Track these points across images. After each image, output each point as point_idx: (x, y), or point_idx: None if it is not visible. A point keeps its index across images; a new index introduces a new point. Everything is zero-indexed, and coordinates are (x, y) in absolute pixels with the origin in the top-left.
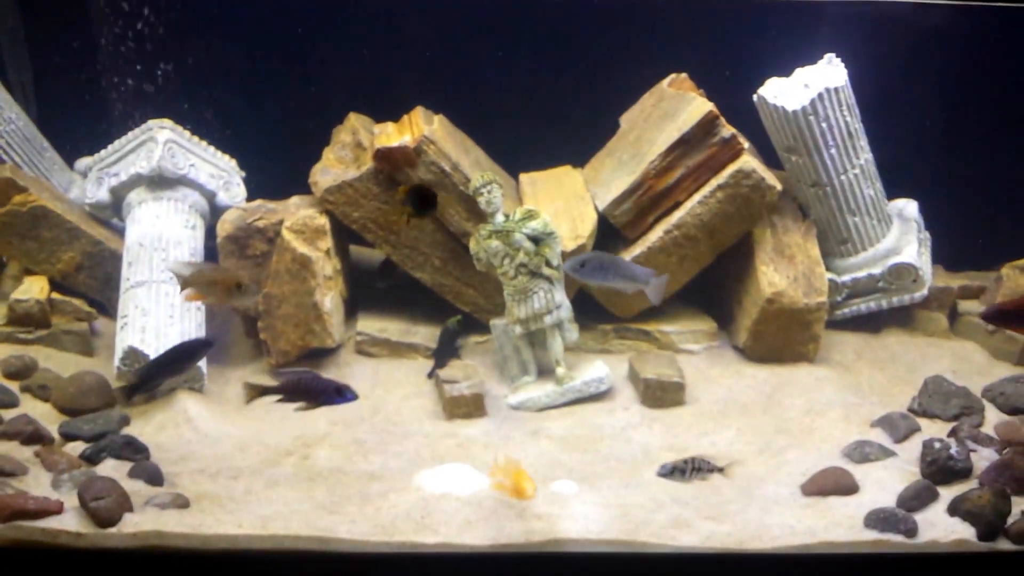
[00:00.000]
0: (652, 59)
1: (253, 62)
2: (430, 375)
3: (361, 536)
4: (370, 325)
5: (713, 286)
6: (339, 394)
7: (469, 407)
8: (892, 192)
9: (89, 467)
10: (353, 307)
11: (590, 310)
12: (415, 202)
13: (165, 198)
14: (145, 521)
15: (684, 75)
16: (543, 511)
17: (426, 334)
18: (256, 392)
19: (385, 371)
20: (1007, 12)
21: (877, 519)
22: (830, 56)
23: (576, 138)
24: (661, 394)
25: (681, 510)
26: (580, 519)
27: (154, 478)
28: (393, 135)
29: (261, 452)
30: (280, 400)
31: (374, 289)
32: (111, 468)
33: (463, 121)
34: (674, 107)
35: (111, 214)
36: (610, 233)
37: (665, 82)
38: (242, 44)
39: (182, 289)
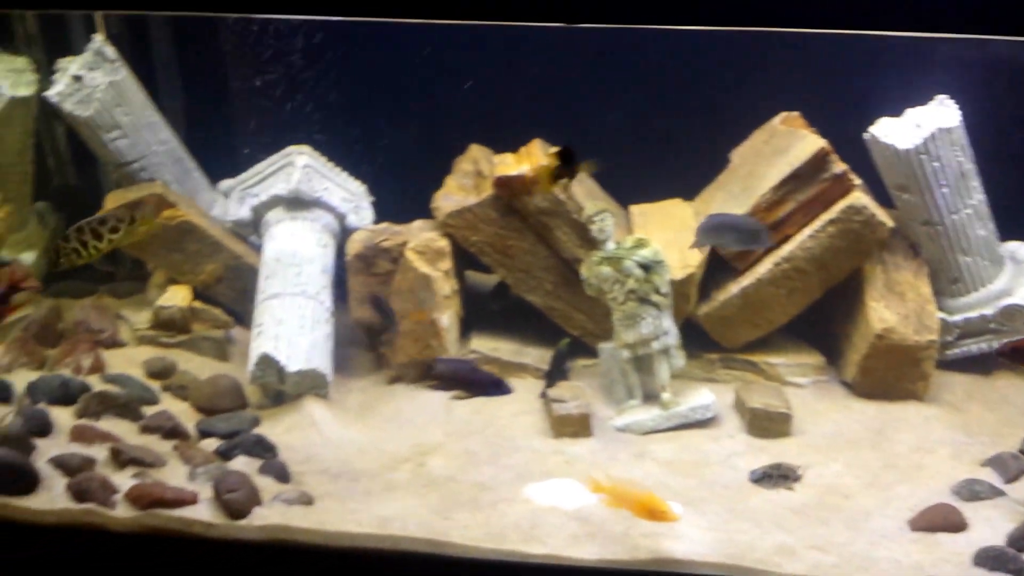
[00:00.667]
0: (761, 97)
1: (382, 96)
2: (543, 395)
3: (472, 542)
4: (483, 344)
5: (821, 321)
6: (496, 387)
7: (576, 427)
8: (1005, 236)
9: (222, 462)
10: (467, 328)
11: (697, 339)
12: (564, 160)
13: (300, 218)
14: (272, 515)
15: (796, 113)
16: (649, 530)
17: (536, 355)
18: (421, 372)
19: None
20: None
21: (986, 557)
22: (942, 97)
23: (685, 173)
24: (768, 424)
25: (787, 538)
26: (686, 540)
27: (281, 476)
28: (512, 165)
29: (379, 458)
30: (438, 387)
31: (487, 312)
32: (243, 464)
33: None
34: (786, 143)
35: (250, 231)
36: (719, 265)
37: (777, 119)
38: (373, 80)
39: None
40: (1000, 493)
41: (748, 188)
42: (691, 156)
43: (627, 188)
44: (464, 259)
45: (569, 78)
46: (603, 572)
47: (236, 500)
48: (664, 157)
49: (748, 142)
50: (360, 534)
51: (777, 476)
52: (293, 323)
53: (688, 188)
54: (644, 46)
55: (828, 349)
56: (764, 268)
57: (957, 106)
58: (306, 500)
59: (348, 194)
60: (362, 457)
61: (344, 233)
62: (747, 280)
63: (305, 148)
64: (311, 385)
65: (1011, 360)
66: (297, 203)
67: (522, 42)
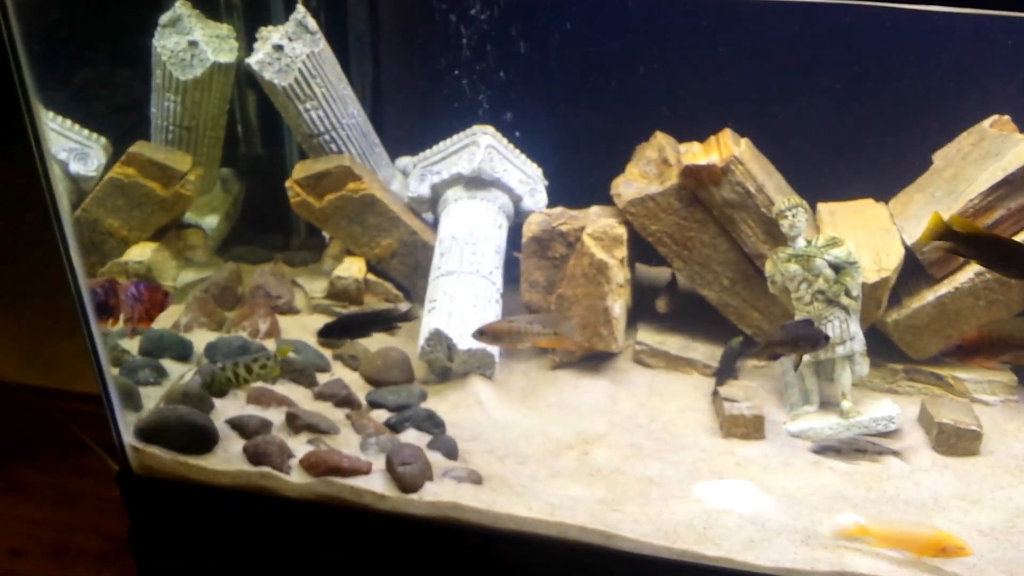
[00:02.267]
0: (964, 99)
1: (567, 80)
2: (714, 393)
3: (644, 537)
4: (650, 336)
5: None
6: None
7: (748, 428)
8: None
9: (393, 434)
10: (633, 319)
11: (881, 347)
12: None
13: (479, 198)
14: (444, 491)
15: (1007, 117)
16: (831, 542)
17: (704, 351)
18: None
19: (661, 382)
20: None
21: None
22: None
23: (877, 173)
24: (955, 441)
25: (976, 561)
26: (868, 555)
27: (451, 452)
28: (700, 154)
29: (544, 443)
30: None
31: (653, 307)
32: (412, 438)
33: (765, 148)
34: (997, 147)
35: (426, 208)
36: (914, 270)
37: (986, 122)
38: (558, 63)
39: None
40: None
41: (953, 192)
42: (883, 156)
43: (814, 186)
44: (635, 250)
45: (761, 67)
46: None
47: (409, 473)
48: (855, 156)
49: (954, 144)
50: (529, 518)
51: (853, 451)
52: (466, 301)
53: (878, 189)
54: (839, 38)
55: (1020, 368)
56: (964, 277)
57: None
58: (476, 479)
59: (525, 176)
60: (527, 440)
61: (518, 215)
62: (944, 288)
63: (489, 128)
64: (478, 364)
65: (958, 358)
66: (476, 182)
67: (717, 27)
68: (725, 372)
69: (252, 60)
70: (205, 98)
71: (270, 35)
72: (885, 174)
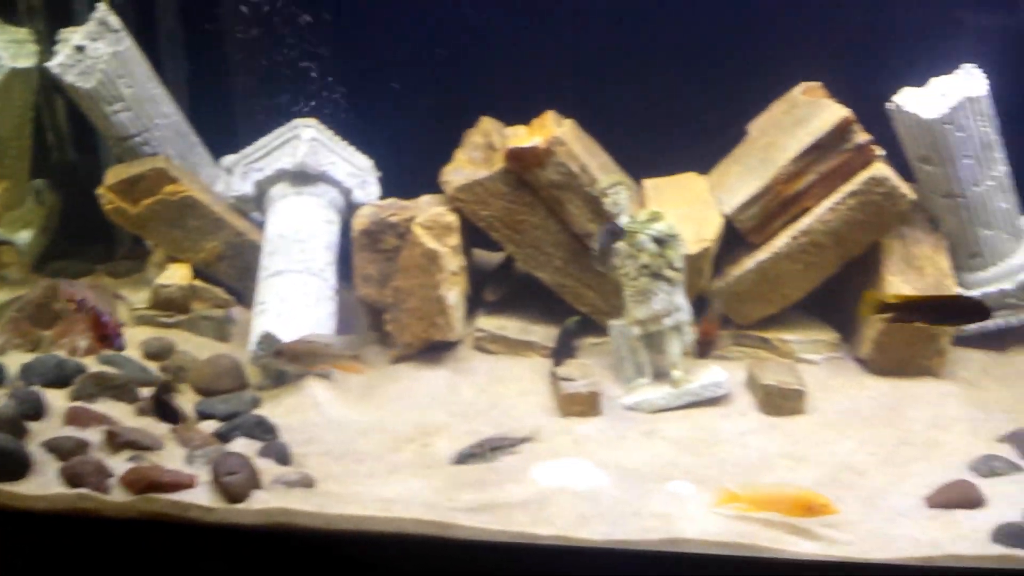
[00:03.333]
0: (779, 69)
1: (391, 69)
2: (551, 373)
3: (479, 524)
4: (489, 322)
5: (836, 296)
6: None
7: (584, 405)
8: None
9: (221, 445)
10: (473, 306)
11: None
12: None
13: (306, 193)
14: (273, 498)
15: (817, 84)
16: (659, 510)
17: (543, 333)
18: None
19: (502, 368)
20: None
21: (1005, 534)
22: (968, 66)
23: (701, 147)
24: (781, 401)
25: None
26: (697, 520)
27: (283, 458)
28: (524, 137)
29: (383, 439)
30: None
31: (490, 295)
32: (242, 446)
33: (591, 128)
34: (807, 113)
35: (253, 207)
36: (735, 239)
37: (797, 90)
38: (382, 53)
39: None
40: (1019, 469)
41: (766, 160)
42: (705, 129)
43: (640, 163)
44: (471, 236)
45: (584, 48)
46: (613, 553)
47: (234, 483)
48: (678, 130)
49: (767, 113)
50: (363, 517)
51: (489, 451)
52: (296, 301)
53: (702, 162)
54: (657, 16)
55: (842, 325)
56: (781, 242)
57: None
58: (307, 482)
59: (354, 168)
60: (365, 438)
61: (350, 209)
62: (763, 254)
63: (311, 121)
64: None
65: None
66: (302, 178)
67: (536, 10)
68: (562, 352)
69: (53, 64)
70: (5, 106)
71: (71, 36)
72: (710, 147)
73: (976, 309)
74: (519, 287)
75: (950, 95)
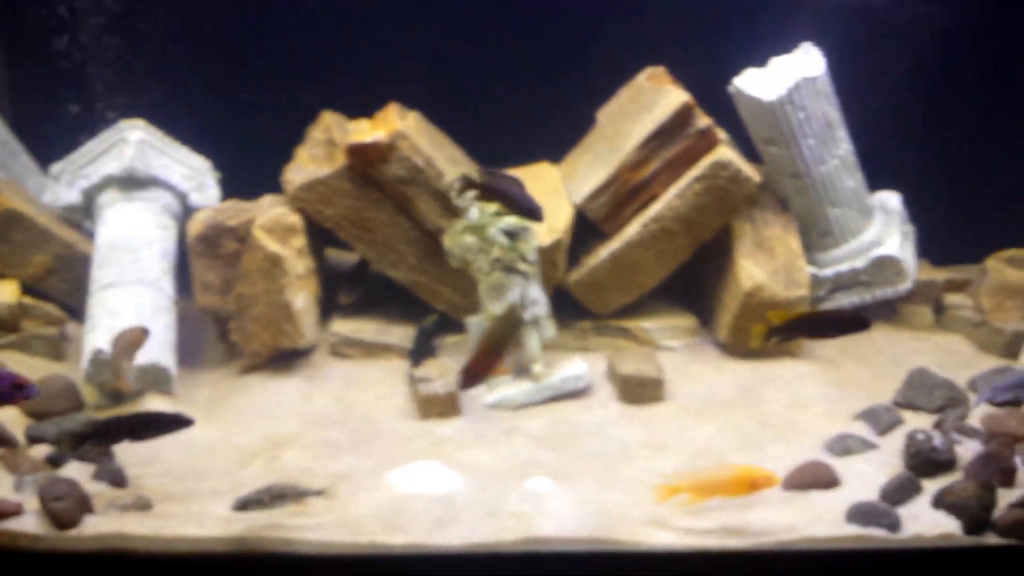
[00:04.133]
0: (630, 54)
1: (230, 65)
2: (410, 375)
3: (327, 537)
4: (344, 326)
5: (694, 282)
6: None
7: (443, 406)
8: (877, 185)
9: (52, 470)
10: (329, 309)
11: (569, 307)
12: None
13: (137, 199)
14: (106, 523)
15: (662, 69)
16: (517, 510)
17: (401, 334)
18: None
19: (359, 372)
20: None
21: (859, 513)
22: (807, 45)
23: (555, 135)
24: (639, 390)
25: (659, 507)
26: (555, 517)
27: (118, 480)
28: (366, 131)
29: (230, 454)
30: None
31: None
32: (75, 471)
33: (440, 119)
34: (650, 100)
35: (82, 217)
36: (591, 229)
37: (642, 76)
38: (219, 47)
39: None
40: (872, 447)
41: (614, 148)
42: (559, 117)
43: (494, 154)
44: (324, 237)
45: (431, 38)
46: (469, 557)
47: (63, 509)
48: (531, 119)
49: (614, 100)
50: (204, 537)
51: (269, 499)
52: (130, 314)
53: (556, 151)
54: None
55: (702, 311)
56: (632, 230)
57: (822, 54)
58: (143, 505)
59: (190, 171)
60: (210, 455)
61: (187, 214)
62: (616, 244)
63: (139, 122)
64: (153, 381)
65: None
66: (132, 182)
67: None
68: (420, 353)
69: None
70: None
71: None
72: (561, 135)
73: (857, 321)
74: (376, 288)
75: (789, 76)
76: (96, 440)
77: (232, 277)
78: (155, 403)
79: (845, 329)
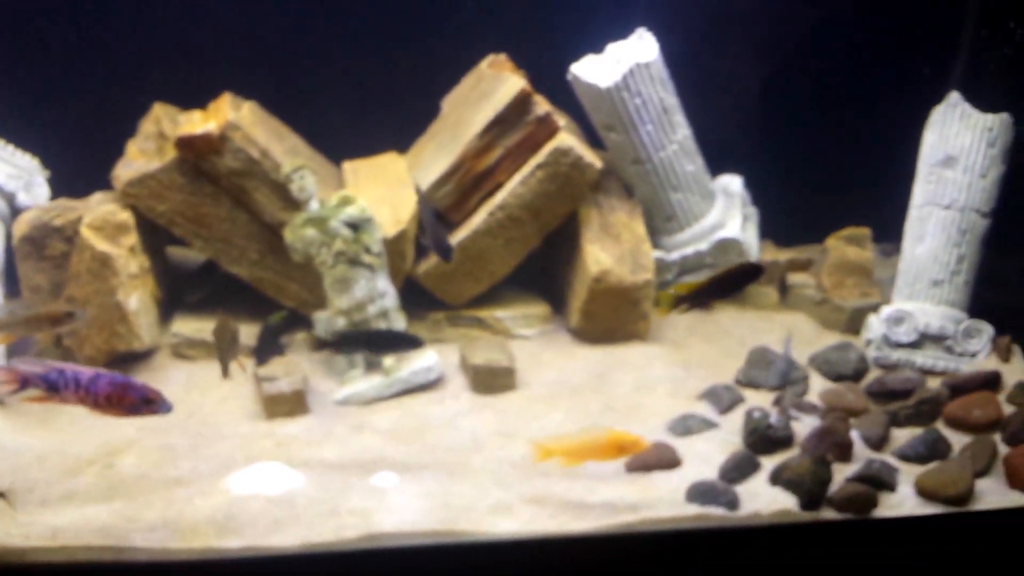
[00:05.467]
0: (476, 42)
1: (60, 58)
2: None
3: (159, 544)
4: (186, 326)
5: (545, 270)
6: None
7: (290, 405)
8: (719, 170)
9: None
10: (171, 310)
11: (421, 299)
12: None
13: None
14: None
15: (503, 56)
16: (358, 506)
17: (248, 333)
18: None
19: (202, 373)
20: None
21: (698, 492)
22: (641, 31)
23: (402, 124)
24: (491, 380)
25: (504, 494)
26: (397, 511)
27: None
28: (198, 123)
29: (62, 463)
30: None
31: (191, 296)
32: None
33: (283, 110)
34: (491, 87)
35: None
36: (440, 220)
37: (484, 63)
38: (46, 39)
39: None
40: (713, 426)
41: (456, 136)
42: (405, 106)
43: (340, 144)
44: (163, 234)
45: (270, 25)
46: (308, 557)
47: None
48: (377, 109)
49: (458, 88)
50: (28, 548)
51: None
52: None
53: (404, 140)
54: None
55: (555, 298)
56: (479, 219)
57: (655, 38)
58: None
59: (16, 170)
60: (40, 464)
61: (15, 215)
62: (463, 233)
63: None
64: None
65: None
66: None
67: None
68: (265, 351)
69: None
70: None
71: None
72: (408, 124)
73: (754, 269)
74: (225, 286)
75: (623, 62)
76: (336, 348)
77: (61, 279)
78: None
79: (747, 279)
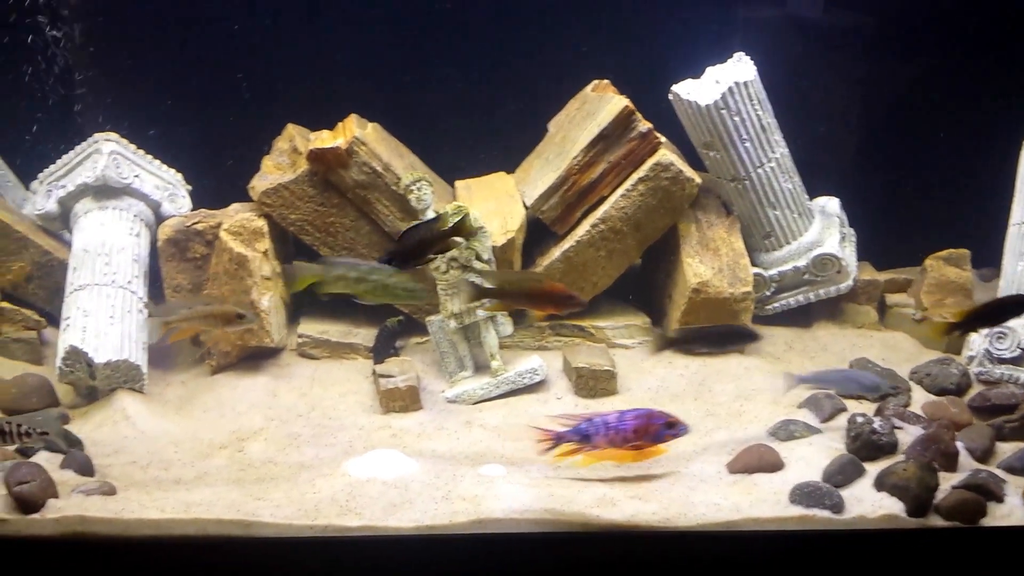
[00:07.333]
0: (580, 70)
1: (198, 84)
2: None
3: (285, 520)
4: (311, 327)
5: (646, 285)
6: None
7: (404, 400)
8: (818, 191)
9: (22, 459)
10: (296, 312)
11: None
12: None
13: (110, 207)
14: (69, 507)
15: (606, 81)
16: (469, 493)
17: (366, 335)
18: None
19: (324, 371)
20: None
21: (802, 494)
22: (739, 54)
23: (510, 147)
24: (593, 383)
25: (608, 490)
26: (505, 499)
27: (84, 469)
28: (327, 139)
29: (195, 446)
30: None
31: (315, 298)
32: (44, 460)
33: (403, 133)
34: (595, 107)
35: (60, 225)
36: (545, 231)
37: (588, 87)
38: (191, 71)
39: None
40: (816, 431)
41: (562, 153)
42: (513, 130)
43: (452, 165)
44: (293, 244)
45: (393, 55)
46: (422, 539)
47: (27, 492)
48: (487, 133)
49: (563, 111)
50: (163, 520)
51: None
52: (101, 314)
53: (512, 162)
54: (463, 21)
55: (654, 310)
56: (582, 230)
57: (753, 61)
58: (107, 490)
59: (162, 182)
60: (176, 447)
61: (160, 223)
62: (567, 243)
63: (112, 134)
64: (124, 378)
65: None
66: (106, 191)
67: (343, 18)
68: (382, 351)
69: None
70: None
71: None
72: (516, 147)
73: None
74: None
75: (723, 82)
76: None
77: (201, 280)
78: (126, 400)
79: (1015, 311)
